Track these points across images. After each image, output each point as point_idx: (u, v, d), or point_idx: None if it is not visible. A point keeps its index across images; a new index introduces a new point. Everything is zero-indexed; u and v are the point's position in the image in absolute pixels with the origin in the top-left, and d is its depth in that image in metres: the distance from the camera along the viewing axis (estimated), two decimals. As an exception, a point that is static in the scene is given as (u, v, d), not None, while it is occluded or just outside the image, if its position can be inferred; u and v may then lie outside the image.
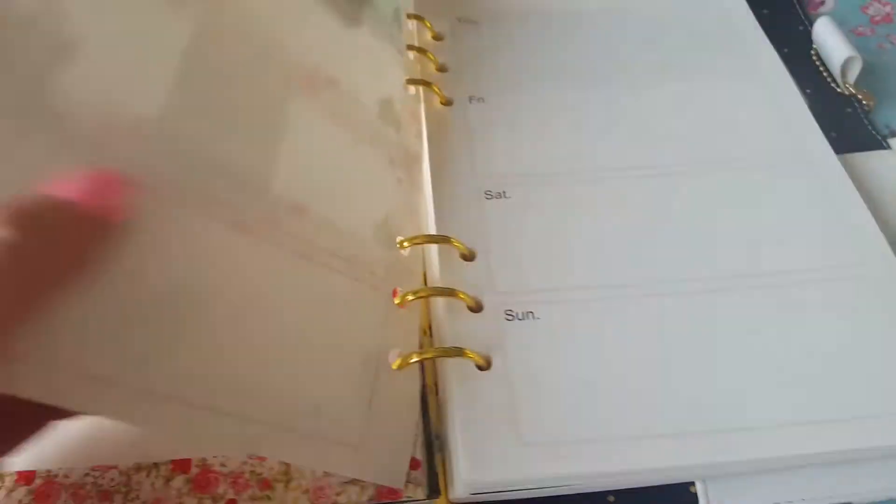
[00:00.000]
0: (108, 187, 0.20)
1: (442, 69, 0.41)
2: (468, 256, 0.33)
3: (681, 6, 0.45)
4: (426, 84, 0.39)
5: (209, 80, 0.25)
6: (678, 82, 0.41)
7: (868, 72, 0.42)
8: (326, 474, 0.27)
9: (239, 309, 0.23)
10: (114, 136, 0.21)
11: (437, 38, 0.43)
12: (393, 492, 0.27)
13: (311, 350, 0.26)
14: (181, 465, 0.28)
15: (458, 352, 0.29)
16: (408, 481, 0.27)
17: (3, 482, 0.27)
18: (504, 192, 0.35)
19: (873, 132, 0.40)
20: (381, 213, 0.32)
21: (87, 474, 0.27)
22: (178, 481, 0.28)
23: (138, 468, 0.28)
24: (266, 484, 0.28)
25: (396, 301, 0.31)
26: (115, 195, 0.20)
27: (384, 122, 0.35)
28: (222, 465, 0.28)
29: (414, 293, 0.31)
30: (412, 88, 0.39)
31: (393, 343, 0.30)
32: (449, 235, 0.33)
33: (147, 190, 0.21)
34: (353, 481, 0.27)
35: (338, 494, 0.27)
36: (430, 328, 0.32)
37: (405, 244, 0.33)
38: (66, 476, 0.27)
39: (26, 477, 0.27)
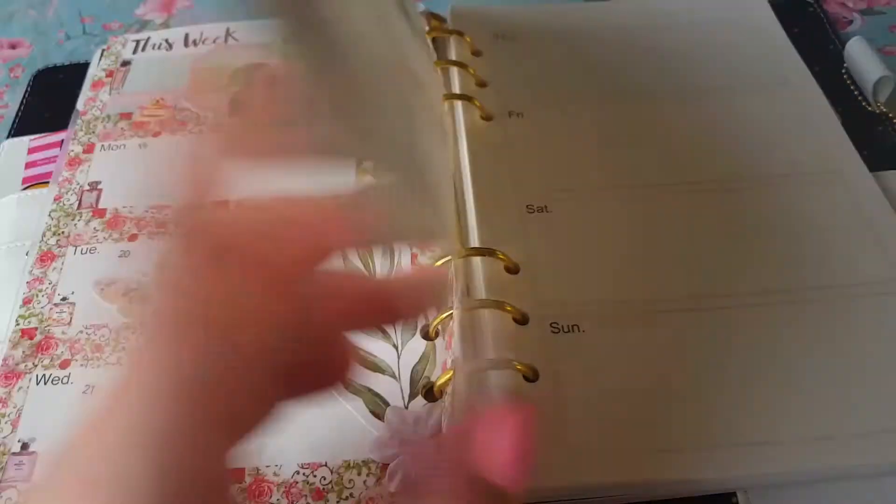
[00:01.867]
0: None
1: (481, 84, 0.42)
2: (512, 269, 0.34)
3: (712, 23, 0.46)
4: (468, 99, 0.40)
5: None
6: (713, 98, 0.41)
7: (897, 92, 0.43)
8: (378, 484, 0.28)
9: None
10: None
11: (476, 53, 0.43)
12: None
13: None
14: (235, 474, 0.28)
15: (508, 364, 0.30)
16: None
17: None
18: (546, 207, 0.36)
19: (904, 151, 0.40)
20: None
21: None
22: (233, 490, 0.28)
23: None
24: (319, 494, 0.28)
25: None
26: None
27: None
28: (275, 474, 0.29)
29: (461, 304, 0.32)
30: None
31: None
32: (494, 248, 0.34)
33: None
34: (404, 492, 0.28)
35: (390, 504, 0.28)
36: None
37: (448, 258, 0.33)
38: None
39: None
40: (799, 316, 0.32)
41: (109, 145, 0.41)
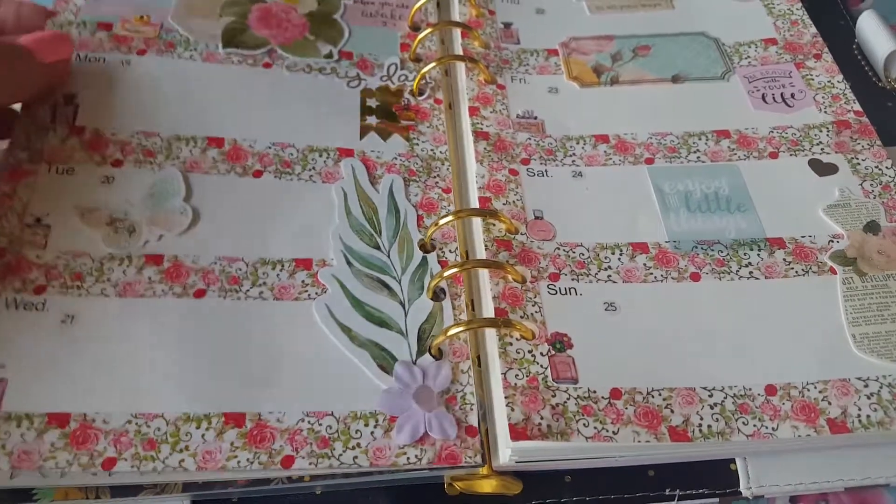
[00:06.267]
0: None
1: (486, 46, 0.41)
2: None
3: None
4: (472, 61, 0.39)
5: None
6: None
7: (908, 68, 0.42)
8: (387, 436, 0.28)
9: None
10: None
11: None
12: (452, 456, 0.27)
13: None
14: (235, 419, 0.28)
15: (506, 322, 0.30)
16: (466, 447, 0.28)
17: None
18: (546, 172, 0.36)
19: (914, 127, 0.40)
20: None
21: None
22: (231, 434, 0.28)
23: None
24: (324, 442, 0.28)
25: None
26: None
27: None
28: (279, 420, 0.28)
29: (460, 265, 0.31)
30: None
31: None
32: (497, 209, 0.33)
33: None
34: (413, 444, 0.28)
35: (397, 456, 0.27)
36: (472, 303, 0.32)
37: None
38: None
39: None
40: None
41: (87, 56, 0.37)
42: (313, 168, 0.36)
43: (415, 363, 0.30)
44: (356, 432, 0.28)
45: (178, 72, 0.38)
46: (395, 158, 0.37)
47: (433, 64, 0.39)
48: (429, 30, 0.40)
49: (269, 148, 0.36)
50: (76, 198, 0.33)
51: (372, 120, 0.38)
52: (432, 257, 0.33)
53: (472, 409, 0.29)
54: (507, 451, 0.27)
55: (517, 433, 0.27)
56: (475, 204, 0.35)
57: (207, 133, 0.36)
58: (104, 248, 0.32)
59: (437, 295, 0.32)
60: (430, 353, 0.30)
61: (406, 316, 0.31)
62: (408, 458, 0.27)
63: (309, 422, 0.28)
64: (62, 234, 0.32)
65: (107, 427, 0.27)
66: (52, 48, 0.35)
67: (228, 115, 0.37)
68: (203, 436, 0.27)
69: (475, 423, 0.28)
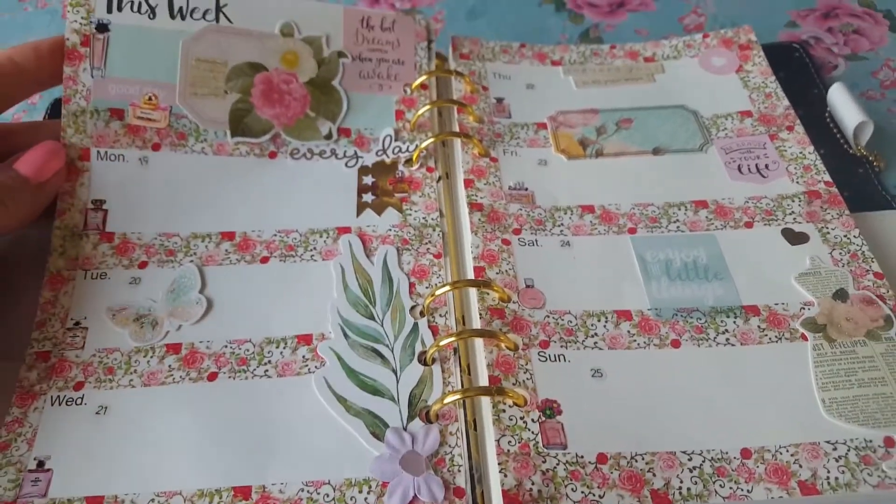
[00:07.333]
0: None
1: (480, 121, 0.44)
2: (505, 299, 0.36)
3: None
4: (466, 136, 0.42)
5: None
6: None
7: (878, 134, 0.45)
8: (379, 501, 0.30)
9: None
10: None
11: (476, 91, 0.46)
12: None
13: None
14: (242, 492, 0.30)
15: (499, 390, 0.32)
16: (453, 510, 0.30)
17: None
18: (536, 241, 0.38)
19: (883, 193, 0.42)
20: None
21: None
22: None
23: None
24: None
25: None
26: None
27: None
28: (280, 491, 0.30)
29: (457, 335, 0.34)
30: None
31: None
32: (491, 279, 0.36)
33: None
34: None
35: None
36: (468, 368, 0.35)
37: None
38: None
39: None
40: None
41: (107, 154, 0.39)
42: (314, 248, 0.39)
43: (405, 429, 0.32)
44: (351, 499, 0.30)
45: (191, 167, 0.41)
46: (390, 230, 0.39)
47: (431, 140, 0.42)
48: (427, 106, 0.43)
49: (275, 235, 0.39)
50: (108, 300, 0.36)
51: (368, 197, 0.41)
52: (423, 323, 0.36)
53: (459, 471, 0.31)
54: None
55: (510, 499, 0.29)
56: (470, 272, 0.37)
57: (220, 228, 0.39)
58: (131, 342, 0.35)
59: (426, 361, 0.34)
60: (420, 418, 0.32)
61: (398, 382, 0.33)
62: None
63: (308, 491, 0.30)
64: (96, 333, 0.35)
65: None
66: (47, 167, 0.37)
67: (239, 209, 0.40)
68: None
69: (463, 485, 0.30)
